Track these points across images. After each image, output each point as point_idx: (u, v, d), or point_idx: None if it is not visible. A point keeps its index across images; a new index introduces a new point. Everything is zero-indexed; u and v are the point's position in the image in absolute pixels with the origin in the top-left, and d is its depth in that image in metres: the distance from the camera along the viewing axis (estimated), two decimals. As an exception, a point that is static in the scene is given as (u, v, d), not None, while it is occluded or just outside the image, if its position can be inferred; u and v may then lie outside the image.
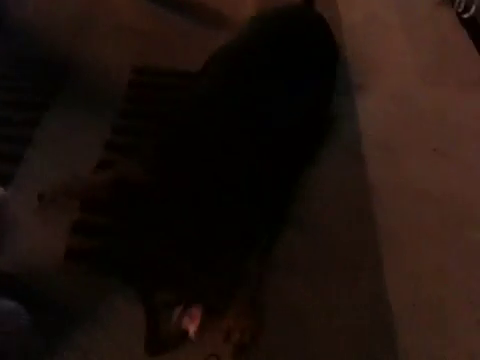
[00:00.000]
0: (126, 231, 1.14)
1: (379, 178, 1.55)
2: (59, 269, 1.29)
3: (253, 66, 1.36)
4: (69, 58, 1.92)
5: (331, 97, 1.66)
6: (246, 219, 1.21)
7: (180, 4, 2.23)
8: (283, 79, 1.37)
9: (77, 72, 1.87)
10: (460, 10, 2.23)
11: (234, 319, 1.18)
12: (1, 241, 1.16)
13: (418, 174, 1.58)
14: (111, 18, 2.12)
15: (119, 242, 1.15)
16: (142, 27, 2.09)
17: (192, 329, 1.12)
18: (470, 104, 1.81)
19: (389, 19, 2.20)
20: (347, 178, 1.55)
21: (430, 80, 1.90)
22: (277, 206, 1.34)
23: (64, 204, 1.43)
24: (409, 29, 2.15)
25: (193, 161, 1.17)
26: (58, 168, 1.54)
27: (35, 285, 1.26)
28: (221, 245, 1.13)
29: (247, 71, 1.34)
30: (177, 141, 1.23)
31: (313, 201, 1.48)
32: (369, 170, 1.57)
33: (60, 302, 1.24)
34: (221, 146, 1.19)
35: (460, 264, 1.35)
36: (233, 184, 1.16)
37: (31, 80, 1.84)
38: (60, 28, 2.06)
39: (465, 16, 2.17)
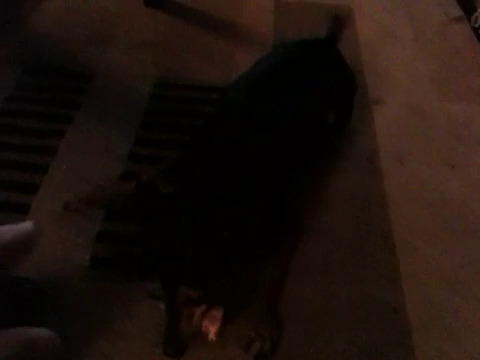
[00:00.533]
0: (151, 232, 1.14)
1: (395, 189, 1.59)
2: (83, 277, 1.33)
3: (276, 90, 1.39)
4: (92, 71, 1.98)
5: (348, 122, 1.71)
6: (266, 228, 1.24)
7: (198, 20, 2.28)
8: (303, 104, 1.42)
9: (100, 85, 1.93)
10: (477, 25, 2.26)
11: (254, 329, 1.20)
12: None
13: (433, 186, 1.61)
14: (133, 33, 2.17)
15: (144, 242, 1.16)
16: (163, 42, 2.14)
17: (212, 331, 1.14)
18: (485, 117, 1.84)
19: (404, 34, 2.24)
20: (364, 189, 1.59)
21: (445, 94, 1.93)
22: (295, 216, 1.37)
23: (89, 213, 1.47)
24: (424, 44, 2.18)
25: (215, 173, 1.20)
26: (82, 178, 1.59)
27: (59, 293, 1.29)
28: (242, 250, 1.15)
29: (270, 95, 1.38)
30: (200, 154, 1.27)
31: (330, 212, 1.51)
32: (385, 182, 1.61)
33: (83, 310, 1.27)
34: (244, 161, 1.22)
35: (475, 274, 1.38)
36: (255, 196, 1.19)
37: (56, 92, 1.89)
38: (84, 42, 2.11)
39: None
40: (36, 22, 2.21)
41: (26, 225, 1.25)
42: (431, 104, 1.89)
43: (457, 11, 2.40)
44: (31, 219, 1.46)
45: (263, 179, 1.24)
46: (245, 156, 1.24)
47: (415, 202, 1.55)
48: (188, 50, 2.11)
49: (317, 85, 1.49)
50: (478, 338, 1.25)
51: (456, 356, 1.22)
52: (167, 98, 1.89)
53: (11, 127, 1.75)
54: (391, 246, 1.43)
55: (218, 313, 1.14)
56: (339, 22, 1.72)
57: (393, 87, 1.95)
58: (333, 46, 1.68)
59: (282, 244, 1.32)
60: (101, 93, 1.90)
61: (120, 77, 1.97)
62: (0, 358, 0.97)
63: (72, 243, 1.41)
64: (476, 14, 2.28)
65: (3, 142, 1.70)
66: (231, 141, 1.27)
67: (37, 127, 1.75)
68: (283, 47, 1.69)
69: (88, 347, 1.21)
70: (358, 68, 1.99)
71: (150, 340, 1.19)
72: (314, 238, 1.43)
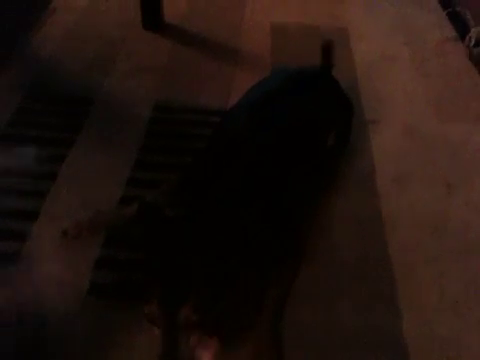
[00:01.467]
0: (153, 252, 1.11)
1: (393, 212, 1.59)
2: (82, 305, 1.33)
3: (276, 113, 1.41)
4: (93, 95, 2.00)
5: (347, 143, 1.72)
6: (269, 251, 1.24)
7: (197, 43, 2.32)
8: (302, 128, 1.44)
9: (100, 109, 1.95)
10: (471, 45, 2.28)
11: (255, 356, 1.20)
12: None
13: (432, 208, 1.61)
14: (133, 58, 2.20)
15: (146, 262, 1.14)
16: (163, 65, 2.17)
17: (207, 358, 1.11)
18: (483, 138, 1.85)
19: (400, 55, 2.26)
20: (362, 212, 1.59)
21: (442, 115, 1.95)
22: (296, 240, 1.37)
23: (88, 239, 1.47)
24: (420, 65, 2.20)
25: (219, 194, 1.20)
26: (83, 203, 1.59)
27: (58, 322, 1.29)
28: (243, 274, 1.15)
29: (269, 119, 1.39)
30: (203, 175, 1.28)
31: (328, 235, 1.52)
32: (383, 204, 1.61)
33: (82, 339, 1.26)
34: (247, 181, 1.23)
35: (477, 298, 1.37)
36: (258, 217, 1.19)
37: (56, 116, 1.91)
38: (84, 67, 2.14)
39: (475, 51, 2.22)
40: (37, 47, 2.24)
41: None
42: (428, 125, 1.90)
43: (453, 31, 2.43)
44: (31, 246, 1.48)
45: (265, 200, 1.25)
46: (247, 177, 1.25)
47: (413, 223, 1.55)
48: (187, 73, 2.13)
49: (316, 109, 1.51)
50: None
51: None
52: (167, 121, 1.91)
53: (11, 153, 1.77)
54: (390, 269, 1.43)
55: (213, 340, 1.12)
56: (330, 48, 1.75)
57: (390, 108, 1.97)
58: (329, 74, 1.71)
59: (284, 266, 1.32)
60: (101, 117, 1.92)
61: (120, 101, 1.99)
62: None
63: (72, 270, 1.41)
64: (470, 34, 2.31)
65: (3, 167, 1.71)
66: (233, 163, 1.28)
67: (36, 152, 1.76)
68: (281, 73, 1.71)
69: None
70: (354, 90, 2.01)
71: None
72: (314, 261, 1.42)
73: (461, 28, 2.40)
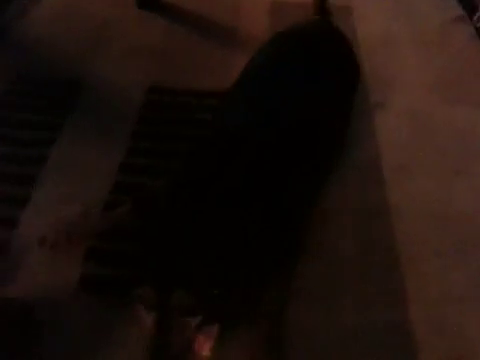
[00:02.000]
0: (148, 234, 1.06)
1: (398, 201, 1.52)
2: (72, 298, 1.27)
3: (279, 92, 1.31)
4: (82, 78, 1.92)
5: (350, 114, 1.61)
6: (268, 242, 1.17)
7: (194, 22, 2.22)
8: (309, 99, 1.33)
9: (90, 92, 1.87)
10: (478, 25, 2.20)
11: (255, 354, 1.14)
12: None
13: (438, 196, 1.55)
14: (124, 39, 2.11)
15: (140, 244, 1.08)
16: (155, 46, 2.08)
17: (206, 348, 1.05)
18: (490, 122, 1.78)
19: (405, 36, 2.17)
20: (366, 201, 1.53)
21: (448, 98, 1.87)
22: (298, 233, 1.31)
23: (68, 249, 1.37)
24: (425, 46, 2.12)
25: (217, 186, 1.13)
26: (74, 189, 1.53)
27: (47, 315, 1.24)
28: (241, 261, 1.08)
29: (272, 96, 1.30)
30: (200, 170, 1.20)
31: (332, 225, 1.45)
32: (388, 192, 1.55)
33: (71, 334, 1.22)
34: (247, 172, 1.15)
35: (483, 290, 1.32)
36: (259, 210, 1.12)
37: (45, 100, 1.84)
38: (73, 48, 2.05)
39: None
40: (25, 30, 2.15)
41: None
42: (434, 109, 1.83)
43: (457, 11, 2.33)
44: (20, 232, 1.42)
45: (266, 184, 1.17)
46: (247, 159, 1.17)
47: (420, 213, 1.49)
48: (183, 55, 2.05)
49: (322, 82, 1.39)
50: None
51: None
52: (161, 105, 1.83)
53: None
54: (395, 262, 1.37)
55: (213, 329, 1.06)
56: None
57: (394, 92, 1.89)
58: (330, 25, 1.61)
59: (284, 262, 1.26)
60: (92, 101, 1.84)
61: (113, 84, 1.90)
62: None
63: (61, 261, 1.35)
64: (478, 13, 2.23)
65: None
66: (234, 156, 1.20)
67: (26, 137, 1.69)
68: (285, 39, 1.58)
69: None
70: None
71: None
72: (316, 255, 1.37)
73: (469, 7, 2.31)
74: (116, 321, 1.22)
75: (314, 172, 1.32)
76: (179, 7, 2.30)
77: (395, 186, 1.56)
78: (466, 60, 2.06)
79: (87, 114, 1.79)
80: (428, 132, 1.75)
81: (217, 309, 1.02)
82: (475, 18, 2.21)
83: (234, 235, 1.04)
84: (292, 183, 1.23)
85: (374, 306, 1.28)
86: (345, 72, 1.51)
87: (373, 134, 1.73)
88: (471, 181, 1.59)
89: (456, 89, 1.92)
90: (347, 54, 1.55)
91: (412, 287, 1.32)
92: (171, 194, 1.15)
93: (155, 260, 0.98)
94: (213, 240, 1.00)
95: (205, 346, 1.05)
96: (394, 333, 1.24)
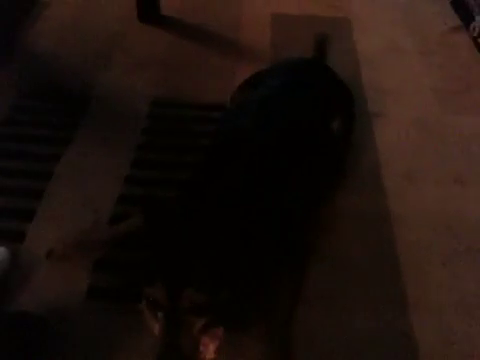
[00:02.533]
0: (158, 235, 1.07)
1: (401, 209, 1.54)
2: (81, 309, 1.28)
3: (276, 112, 1.37)
4: (89, 92, 1.94)
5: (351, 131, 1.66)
6: (274, 244, 1.19)
7: (196, 35, 2.26)
8: (306, 122, 1.41)
9: (97, 106, 1.89)
10: (475, 34, 2.22)
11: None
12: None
13: (440, 205, 1.56)
14: (131, 52, 2.14)
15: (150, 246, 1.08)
16: (161, 60, 2.11)
17: (212, 349, 1.04)
18: (491, 131, 1.79)
19: (405, 46, 2.20)
20: (368, 209, 1.54)
21: (449, 107, 1.89)
22: (305, 238, 1.33)
23: (76, 260, 1.39)
24: (426, 55, 2.14)
25: (226, 193, 1.15)
26: (79, 203, 1.54)
27: (56, 326, 1.25)
28: (249, 263, 1.08)
29: (271, 118, 1.35)
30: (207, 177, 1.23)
31: (334, 233, 1.46)
32: (390, 201, 1.56)
33: (82, 343, 1.22)
34: (249, 181, 1.18)
35: (487, 297, 1.33)
36: (268, 215, 1.14)
37: (52, 114, 1.86)
38: (80, 62, 2.08)
39: (481, 40, 2.17)
40: (32, 43, 2.18)
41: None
42: (436, 118, 1.84)
43: (456, 20, 2.37)
44: (27, 246, 1.43)
45: (269, 187, 1.20)
46: (249, 177, 1.20)
47: (423, 222, 1.50)
48: (186, 68, 2.07)
49: (315, 97, 1.48)
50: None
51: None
52: (166, 117, 1.85)
53: (6, 151, 1.71)
54: (401, 270, 1.38)
55: (218, 330, 1.06)
56: (324, 42, 1.76)
57: (395, 101, 1.91)
58: (322, 64, 1.70)
59: (293, 268, 1.27)
60: (99, 114, 1.86)
61: (118, 97, 1.93)
62: None
63: (70, 272, 1.36)
64: (474, 23, 2.25)
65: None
66: (235, 163, 1.22)
67: (33, 151, 1.71)
68: (279, 66, 1.69)
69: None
70: (358, 82, 1.96)
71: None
72: (322, 262, 1.37)
73: (465, 17, 2.33)
74: (126, 328, 1.23)
75: (315, 176, 1.36)
76: (181, 21, 2.34)
77: (398, 195, 1.57)
78: (467, 69, 2.09)
79: (93, 128, 1.81)
80: (430, 141, 1.76)
81: (225, 309, 1.02)
82: (471, 28, 2.24)
83: (242, 237, 1.05)
84: (295, 183, 1.26)
85: (380, 314, 1.29)
86: (338, 91, 1.62)
87: (375, 143, 1.74)
88: (475, 189, 1.60)
89: (457, 98, 1.95)
90: (337, 82, 1.65)
91: (418, 295, 1.32)
92: (182, 201, 1.18)
93: (166, 259, 0.99)
94: (222, 241, 1.01)
95: (210, 348, 1.06)
96: (400, 341, 1.24)
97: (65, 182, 1.62)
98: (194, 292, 0.94)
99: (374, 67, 2.07)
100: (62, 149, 1.71)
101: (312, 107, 1.45)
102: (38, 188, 1.59)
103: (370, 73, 2.03)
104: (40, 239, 1.45)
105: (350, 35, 2.26)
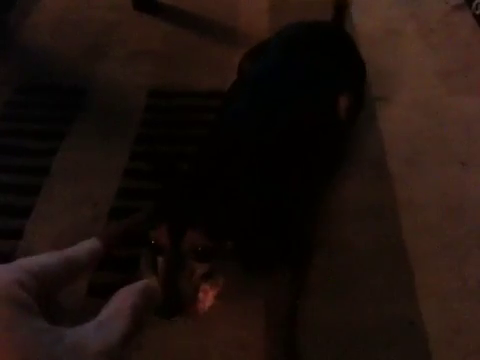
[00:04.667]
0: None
1: (406, 194, 1.50)
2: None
3: (282, 88, 1.31)
4: (83, 85, 1.90)
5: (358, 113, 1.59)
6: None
7: (193, 23, 2.21)
8: (312, 98, 1.33)
9: (92, 99, 1.86)
10: (478, 12, 2.17)
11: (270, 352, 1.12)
12: None
13: (446, 187, 1.52)
14: (128, 43, 2.10)
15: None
16: (155, 49, 2.07)
17: (210, 297, 0.98)
18: (496, 111, 1.75)
19: (405, 27, 2.15)
20: (373, 196, 1.50)
21: (453, 88, 1.85)
22: (309, 227, 1.29)
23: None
24: (427, 36, 2.09)
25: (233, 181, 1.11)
26: (78, 198, 1.52)
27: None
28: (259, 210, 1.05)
29: (276, 92, 1.29)
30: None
31: (340, 222, 1.43)
32: (395, 186, 1.52)
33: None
34: (258, 167, 1.13)
35: (497, 283, 1.29)
36: (270, 209, 1.10)
37: (46, 109, 1.83)
38: (76, 55, 2.05)
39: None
40: (26, 37, 2.14)
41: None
42: (439, 99, 1.80)
43: (457, -1, 2.31)
44: (25, 244, 1.41)
45: (284, 190, 1.16)
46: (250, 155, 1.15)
47: (428, 206, 1.47)
48: (183, 57, 2.03)
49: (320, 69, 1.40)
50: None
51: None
52: (164, 108, 1.81)
53: (1, 147, 1.69)
54: (406, 256, 1.35)
55: (219, 278, 1.03)
56: (343, 7, 1.68)
57: (398, 84, 1.87)
58: (338, 29, 1.61)
59: (297, 260, 1.24)
60: (95, 107, 1.83)
61: (114, 89, 1.90)
62: None
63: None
64: (477, 1, 2.20)
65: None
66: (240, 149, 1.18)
67: (29, 146, 1.68)
68: (287, 35, 1.58)
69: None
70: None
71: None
72: (326, 251, 1.35)
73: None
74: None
75: (318, 163, 1.32)
76: (177, 8, 2.29)
77: (402, 180, 1.54)
78: (470, 49, 2.03)
79: (89, 120, 1.77)
80: (434, 124, 1.72)
81: (228, 259, 0.99)
82: (474, 5, 2.18)
83: (249, 189, 1.03)
84: (299, 177, 1.22)
85: (387, 301, 1.26)
86: (351, 69, 1.52)
87: (379, 128, 1.71)
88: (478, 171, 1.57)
89: (461, 79, 1.90)
90: (354, 55, 1.57)
91: (425, 281, 1.29)
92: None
93: (172, 202, 0.97)
94: (231, 189, 0.99)
95: (210, 295, 1.03)
96: (408, 328, 1.22)
97: (62, 177, 1.59)
98: (198, 236, 0.91)
99: (375, 50, 2.01)
100: (58, 144, 1.68)
101: (315, 81, 1.37)
102: (35, 184, 1.57)
103: (371, 56, 1.97)
104: (38, 236, 1.43)
105: (350, 18, 2.20)
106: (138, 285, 0.38)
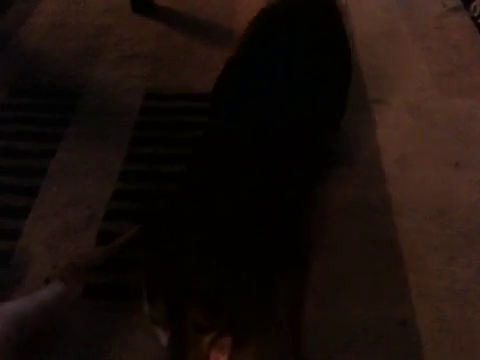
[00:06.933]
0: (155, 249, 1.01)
1: (399, 195, 1.51)
2: (76, 306, 1.27)
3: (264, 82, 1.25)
4: (81, 87, 1.92)
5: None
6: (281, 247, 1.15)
7: (189, 25, 2.23)
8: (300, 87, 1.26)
9: (89, 101, 1.87)
10: (475, 14, 2.18)
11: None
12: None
13: (439, 189, 1.54)
14: (123, 45, 2.12)
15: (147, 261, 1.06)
16: (153, 51, 2.09)
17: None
18: (490, 114, 1.76)
19: (401, 30, 2.16)
20: (366, 197, 1.52)
21: (448, 91, 1.86)
22: (306, 235, 1.29)
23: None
24: (422, 39, 2.10)
25: (226, 191, 1.11)
26: (74, 198, 1.54)
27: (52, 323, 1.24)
28: (253, 272, 1.06)
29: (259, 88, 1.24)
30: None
31: (333, 221, 1.44)
32: (389, 187, 1.54)
33: (77, 340, 1.22)
34: (246, 173, 1.13)
35: (488, 283, 1.31)
36: (268, 215, 1.10)
37: (43, 111, 1.84)
38: (72, 57, 2.07)
39: (480, 21, 2.13)
40: (22, 39, 2.16)
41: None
42: (432, 101, 1.81)
43: (454, 1, 2.32)
44: (22, 244, 1.42)
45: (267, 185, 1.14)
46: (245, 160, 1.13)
47: (421, 207, 1.48)
48: (179, 59, 2.05)
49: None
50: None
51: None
52: (159, 110, 1.83)
53: (-2, 149, 1.71)
54: (398, 257, 1.36)
55: (227, 340, 1.05)
56: None
57: (392, 86, 1.88)
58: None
59: (296, 268, 1.24)
60: (91, 109, 1.85)
61: (110, 91, 1.91)
62: None
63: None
64: (475, 3, 2.21)
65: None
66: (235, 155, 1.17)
67: (25, 148, 1.70)
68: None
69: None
70: (356, 69, 1.91)
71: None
72: (320, 251, 1.34)
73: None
74: (121, 326, 1.23)
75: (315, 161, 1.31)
76: (174, 10, 2.31)
77: (395, 181, 1.55)
78: (464, 52, 2.05)
79: (86, 122, 1.79)
80: (428, 125, 1.74)
81: (231, 323, 0.99)
82: (472, 7, 2.19)
83: (242, 246, 1.00)
84: (294, 181, 1.22)
85: (378, 301, 1.27)
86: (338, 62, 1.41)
87: (373, 129, 1.72)
88: (472, 173, 1.58)
89: (456, 81, 1.91)
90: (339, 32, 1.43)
91: (416, 281, 1.31)
92: (176, 205, 1.13)
93: (165, 276, 0.96)
94: (222, 250, 0.96)
95: (222, 358, 1.05)
96: (399, 328, 1.23)
97: (59, 179, 1.61)
98: (200, 313, 0.91)
99: (371, 52, 2.03)
100: (55, 145, 1.70)
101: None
102: (32, 185, 1.58)
103: (367, 58, 1.99)
104: (35, 236, 1.45)
105: (347, 21, 2.21)
106: None
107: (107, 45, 2.11)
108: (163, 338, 0.97)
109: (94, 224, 1.47)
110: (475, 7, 2.20)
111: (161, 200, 1.35)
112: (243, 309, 1.01)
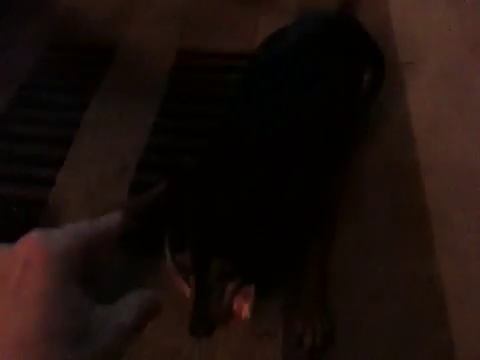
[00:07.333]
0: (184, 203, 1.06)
1: (429, 159, 1.51)
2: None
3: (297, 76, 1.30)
4: (115, 45, 1.94)
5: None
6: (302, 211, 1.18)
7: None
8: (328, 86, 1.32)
9: (123, 58, 1.89)
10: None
11: (304, 321, 1.15)
12: None
13: (469, 154, 1.52)
14: (155, 4, 2.12)
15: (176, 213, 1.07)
16: (183, 10, 2.09)
17: (246, 308, 1.08)
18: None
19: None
20: (396, 159, 1.52)
21: (479, 55, 1.83)
22: (331, 197, 1.31)
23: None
24: (457, 4, 2.05)
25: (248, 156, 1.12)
26: (107, 150, 1.57)
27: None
28: (277, 223, 1.07)
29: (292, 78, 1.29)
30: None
31: (361, 184, 1.45)
32: (419, 151, 1.53)
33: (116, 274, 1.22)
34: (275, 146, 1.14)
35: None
36: (292, 178, 1.12)
37: (77, 65, 1.87)
38: (105, 15, 2.08)
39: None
40: None
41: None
42: (466, 67, 1.78)
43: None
44: (56, 191, 1.47)
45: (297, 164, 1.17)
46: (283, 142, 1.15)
47: (450, 172, 1.47)
48: (210, 17, 2.05)
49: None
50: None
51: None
52: (191, 68, 1.84)
53: (35, 101, 1.74)
54: (426, 218, 1.37)
55: (250, 289, 1.08)
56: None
57: (425, 50, 1.85)
58: (346, 17, 1.58)
59: (325, 214, 1.26)
60: (124, 65, 1.86)
61: (143, 48, 1.93)
62: None
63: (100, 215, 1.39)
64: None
65: (28, 116, 1.70)
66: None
67: (61, 101, 1.73)
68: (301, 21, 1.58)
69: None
70: (387, 31, 1.90)
71: (174, 319, 1.12)
72: (347, 212, 1.37)
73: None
74: (146, 274, 1.25)
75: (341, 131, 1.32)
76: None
77: (425, 145, 1.54)
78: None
79: (119, 77, 1.81)
80: (460, 90, 1.71)
81: (254, 273, 1.04)
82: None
83: (267, 203, 1.04)
84: (321, 146, 1.23)
85: (404, 259, 1.29)
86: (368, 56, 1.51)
87: (404, 93, 1.71)
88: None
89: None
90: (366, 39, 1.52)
91: (443, 242, 1.32)
92: (205, 170, 1.15)
93: (193, 227, 1.00)
94: (248, 206, 1.01)
95: (244, 307, 1.08)
96: (424, 285, 1.25)
97: (92, 130, 1.64)
98: (223, 261, 0.95)
99: (404, 16, 2.00)
100: (89, 98, 1.73)
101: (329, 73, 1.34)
102: (67, 136, 1.62)
103: (400, 22, 1.97)
104: (68, 184, 1.49)
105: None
106: (147, 294, 0.40)
107: (140, 4, 2.12)
108: (187, 288, 1.02)
109: (127, 175, 1.51)
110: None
111: (190, 157, 1.37)
112: (266, 258, 1.05)
